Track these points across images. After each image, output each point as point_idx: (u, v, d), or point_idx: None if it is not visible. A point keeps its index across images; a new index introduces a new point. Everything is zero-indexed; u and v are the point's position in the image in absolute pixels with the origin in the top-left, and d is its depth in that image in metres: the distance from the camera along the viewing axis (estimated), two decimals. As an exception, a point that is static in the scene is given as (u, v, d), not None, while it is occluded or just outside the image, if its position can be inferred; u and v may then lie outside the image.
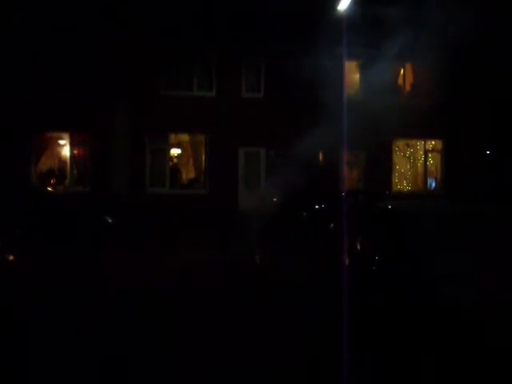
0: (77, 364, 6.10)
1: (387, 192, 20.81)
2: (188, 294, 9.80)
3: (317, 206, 16.86)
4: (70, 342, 6.96)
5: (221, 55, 20.57)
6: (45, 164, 20.73)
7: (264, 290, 9.89)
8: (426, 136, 22.46)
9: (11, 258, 11.77)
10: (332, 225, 7.85)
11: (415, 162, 22.94)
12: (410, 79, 22.84)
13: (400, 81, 22.72)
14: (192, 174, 21.78)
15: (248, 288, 10.32)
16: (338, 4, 17.99)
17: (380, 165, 21.61)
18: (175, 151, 21.71)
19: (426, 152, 22.85)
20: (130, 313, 8.40)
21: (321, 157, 21.38)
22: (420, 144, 22.87)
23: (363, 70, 21.89)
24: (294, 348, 6.78)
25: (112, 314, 8.30)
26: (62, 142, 20.76)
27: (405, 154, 22.89)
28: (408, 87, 22.76)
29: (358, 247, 6.81)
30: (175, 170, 21.51)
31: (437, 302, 4.88)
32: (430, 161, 22.95)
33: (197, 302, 9.11)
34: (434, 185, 23.11)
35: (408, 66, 22.72)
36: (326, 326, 6.80)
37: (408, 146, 22.91)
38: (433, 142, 22.95)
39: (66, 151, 20.65)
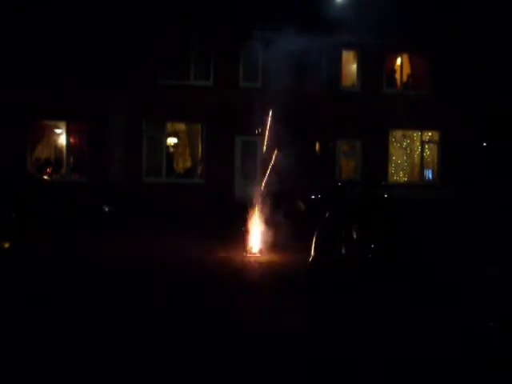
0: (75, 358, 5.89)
1: (383, 183, 20.84)
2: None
3: (313, 197, 16.93)
4: (68, 329, 6.92)
5: (218, 44, 20.49)
6: (41, 152, 20.68)
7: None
8: (422, 127, 22.46)
9: (7, 245, 11.79)
10: (328, 214, 7.82)
11: (412, 152, 22.92)
12: (407, 70, 22.80)
13: (397, 71, 22.68)
14: (188, 163, 21.75)
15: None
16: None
17: (376, 155, 21.61)
18: (172, 140, 21.68)
19: (422, 143, 22.84)
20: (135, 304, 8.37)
21: (317, 147, 21.36)
22: (417, 135, 22.85)
23: (360, 59, 21.85)
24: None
25: (111, 301, 8.29)
26: (58, 130, 20.71)
27: (401, 145, 22.86)
28: (405, 78, 22.73)
29: (354, 236, 6.81)
30: (172, 159, 21.49)
31: (433, 287, 4.90)
32: (427, 152, 22.94)
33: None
34: (430, 176, 23.12)
35: (405, 56, 22.68)
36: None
37: (405, 136, 22.88)
38: (430, 133, 22.94)
39: (62, 140, 20.60)
